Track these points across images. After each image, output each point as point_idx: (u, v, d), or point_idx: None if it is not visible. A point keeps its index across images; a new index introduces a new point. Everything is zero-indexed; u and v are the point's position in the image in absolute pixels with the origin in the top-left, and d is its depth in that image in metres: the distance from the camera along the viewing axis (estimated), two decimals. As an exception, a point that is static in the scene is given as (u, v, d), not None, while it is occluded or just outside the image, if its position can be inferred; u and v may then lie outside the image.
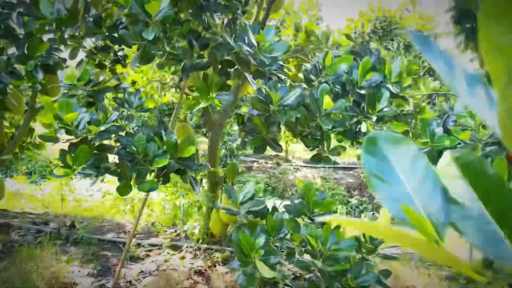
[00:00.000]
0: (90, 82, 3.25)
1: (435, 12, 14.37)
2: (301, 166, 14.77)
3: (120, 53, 4.45)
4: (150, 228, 5.93)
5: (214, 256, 4.81)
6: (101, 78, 3.34)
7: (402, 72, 3.36)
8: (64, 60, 4.33)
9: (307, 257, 3.01)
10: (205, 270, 4.55)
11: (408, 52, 12.94)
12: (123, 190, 3.04)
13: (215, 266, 4.65)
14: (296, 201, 3.08)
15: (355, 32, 14.41)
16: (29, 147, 6.42)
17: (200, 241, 4.96)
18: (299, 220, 3.14)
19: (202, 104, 3.16)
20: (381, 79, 3.31)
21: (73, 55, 3.98)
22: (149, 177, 3.22)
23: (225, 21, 3.46)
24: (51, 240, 5.09)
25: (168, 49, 2.84)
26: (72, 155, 2.91)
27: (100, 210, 7.09)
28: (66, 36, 3.84)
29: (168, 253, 4.87)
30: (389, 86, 3.33)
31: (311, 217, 3.17)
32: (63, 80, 3.29)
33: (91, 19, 3.63)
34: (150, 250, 5.05)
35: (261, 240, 2.87)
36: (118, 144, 3.22)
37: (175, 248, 5.04)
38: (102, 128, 2.96)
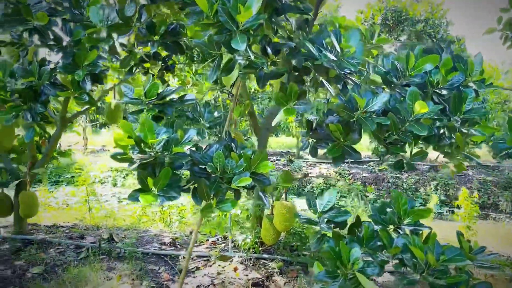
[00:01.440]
0: (157, 95, 3.04)
1: (442, 0, 14.19)
2: (314, 162, 14.60)
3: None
4: (190, 238, 5.72)
5: (268, 266, 4.64)
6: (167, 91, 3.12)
7: (484, 69, 3.18)
8: (107, 69, 4.12)
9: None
10: (262, 281, 4.38)
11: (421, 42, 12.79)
12: (206, 211, 2.85)
13: (270, 276, 4.48)
14: (388, 210, 2.89)
15: (363, 23, 14.22)
16: (55, 157, 6.21)
17: (251, 250, 4.78)
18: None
19: (281, 116, 2.97)
20: (463, 78, 3.14)
21: (125, 64, 3.75)
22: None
23: (293, 23, 3.25)
24: (93, 256, 4.88)
25: (252, 57, 2.63)
26: (151, 177, 2.71)
27: (130, 219, 6.88)
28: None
29: (219, 265, 4.69)
30: (472, 85, 3.16)
31: (399, 227, 2.99)
32: (129, 94, 3.06)
33: (145, 26, 3.40)
34: (198, 262, 4.86)
35: (356, 250, 2.69)
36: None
37: (225, 258, 4.85)
38: (185, 148, 2.76)
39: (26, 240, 5.24)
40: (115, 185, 13.20)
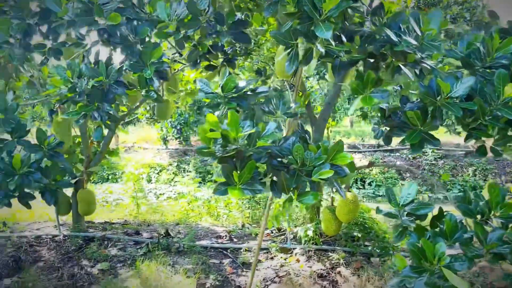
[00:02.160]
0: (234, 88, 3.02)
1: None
2: (348, 151, 14.40)
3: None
4: (244, 230, 5.75)
5: (330, 257, 4.61)
6: (242, 84, 3.09)
7: None
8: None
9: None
10: (328, 273, 4.36)
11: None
12: (288, 204, 2.83)
13: (335, 268, 4.45)
14: (481, 202, 2.81)
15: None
16: (105, 155, 6.29)
17: (310, 242, 4.76)
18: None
19: (358, 104, 2.91)
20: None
21: (192, 57, 3.74)
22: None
23: (364, 8, 3.17)
24: (153, 251, 4.95)
25: (334, 46, 2.58)
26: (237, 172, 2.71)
27: (179, 214, 6.95)
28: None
29: (281, 257, 4.69)
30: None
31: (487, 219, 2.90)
32: (205, 88, 3.06)
33: (214, 18, 3.37)
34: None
35: (442, 245, 2.62)
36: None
37: (285, 251, 4.85)
38: (269, 141, 2.74)
39: (87, 238, 5.35)
40: (149, 181, 13.38)
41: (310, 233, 4.63)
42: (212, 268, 4.63)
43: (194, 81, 7.61)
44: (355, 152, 14.33)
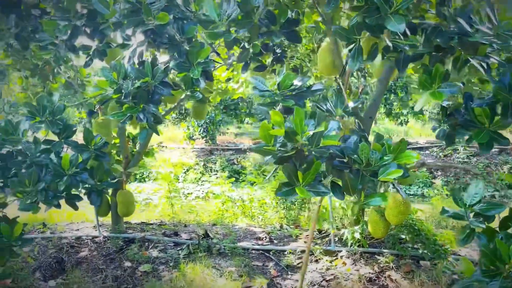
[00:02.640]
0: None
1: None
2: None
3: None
4: (283, 232, 5.64)
5: (378, 260, 4.45)
6: (298, 82, 2.98)
7: None
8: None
9: None
10: (377, 277, 4.20)
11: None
12: (357, 206, 2.71)
13: (383, 271, 4.29)
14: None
15: None
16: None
17: (356, 245, 4.61)
18: None
19: (426, 100, 2.76)
20: None
21: (243, 57, 3.65)
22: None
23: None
24: (194, 253, 4.89)
25: (401, 39, 2.44)
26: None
27: (213, 215, 6.89)
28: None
29: (327, 260, 4.56)
30: None
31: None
32: (260, 85, 2.96)
33: (265, 17, 3.26)
34: (300, 257, 4.75)
35: None
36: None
37: (329, 253, 4.72)
38: (334, 140, 2.62)
39: (127, 239, 5.33)
40: (177, 180, 13.42)
41: (357, 235, 4.48)
42: (255, 270, 4.54)
43: (226, 80, 7.55)
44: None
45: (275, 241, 5.32)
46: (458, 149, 13.50)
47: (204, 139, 13.24)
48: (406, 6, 2.43)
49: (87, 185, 4.02)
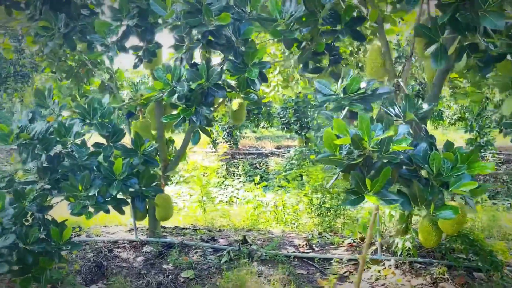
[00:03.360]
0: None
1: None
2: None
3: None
4: (323, 239, 5.50)
5: (429, 271, 4.29)
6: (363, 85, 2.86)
7: None
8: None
9: None
10: (430, 288, 4.04)
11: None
12: (427, 220, 2.59)
13: (436, 282, 4.13)
14: None
15: None
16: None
17: (406, 254, 4.45)
18: None
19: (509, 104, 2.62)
20: None
21: (303, 58, 3.55)
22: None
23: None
24: (236, 259, 4.78)
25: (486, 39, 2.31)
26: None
27: (246, 220, 6.78)
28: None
29: (375, 269, 4.40)
30: None
31: None
32: (324, 89, 2.84)
33: (330, 15, 3.16)
34: (348, 266, 4.61)
35: None
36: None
37: (376, 262, 4.56)
38: (404, 145, 2.49)
39: (164, 244, 5.24)
40: (187, 182, 13.37)
41: (408, 244, 4.32)
42: (300, 279, 4.41)
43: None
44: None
45: (316, 249, 5.18)
46: (486, 156, 13.18)
47: (228, 143, 13.16)
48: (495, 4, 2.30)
49: (132, 190, 3.96)
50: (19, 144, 3.35)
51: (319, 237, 5.60)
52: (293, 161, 12.58)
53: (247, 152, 15.25)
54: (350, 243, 5.26)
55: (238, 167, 13.92)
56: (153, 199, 5.25)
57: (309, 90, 7.24)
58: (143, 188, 3.98)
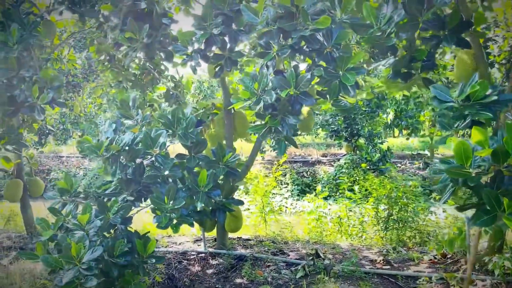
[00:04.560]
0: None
1: None
2: (455, 164, 13.24)
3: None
4: (400, 254, 5.18)
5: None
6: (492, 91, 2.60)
7: None
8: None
9: None
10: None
11: None
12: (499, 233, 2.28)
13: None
14: None
15: None
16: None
17: (502, 273, 4.08)
18: None
19: None
20: None
21: (398, 66, 3.32)
22: None
23: None
24: (312, 275, 4.57)
25: None
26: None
27: (312, 232, 6.55)
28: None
29: (468, 290, 4.06)
30: None
31: None
32: (442, 95, 2.60)
33: (433, 19, 2.93)
34: (436, 285, 4.28)
35: None
36: None
37: (470, 282, 4.21)
38: None
39: (235, 256, 5.10)
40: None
41: (508, 263, 3.96)
42: (385, 298, 4.13)
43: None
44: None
45: (395, 265, 4.88)
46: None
47: (276, 151, 13.00)
48: None
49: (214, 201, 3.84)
50: (109, 156, 3.30)
51: (396, 251, 5.29)
52: (343, 170, 12.25)
53: (293, 160, 15.03)
54: (431, 259, 4.93)
55: (285, 175, 13.71)
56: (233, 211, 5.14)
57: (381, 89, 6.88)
58: (224, 200, 3.86)
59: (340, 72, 3.24)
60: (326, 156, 15.11)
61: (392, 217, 6.41)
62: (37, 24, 4.42)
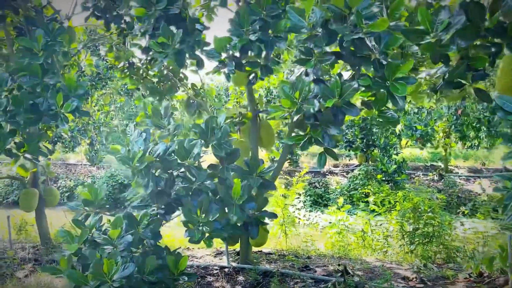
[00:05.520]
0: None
1: None
2: (470, 176, 13.04)
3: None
4: (433, 272, 4.96)
5: None
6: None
7: None
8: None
9: None
10: None
11: None
12: None
13: None
14: None
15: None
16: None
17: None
18: None
19: None
20: None
21: (455, 76, 3.14)
22: None
23: None
24: (342, 292, 4.35)
25: None
26: None
27: (335, 247, 6.33)
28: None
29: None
30: None
31: None
32: (506, 106, 2.42)
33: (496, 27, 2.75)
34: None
35: None
36: None
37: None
38: None
39: (260, 271, 4.89)
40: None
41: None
42: (424, 319, 3.91)
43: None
44: (477, 177, 12.88)
45: (429, 283, 4.65)
46: None
47: (289, 161, 12.81)
48: None
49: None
50: (143, 168, 3.12)
51: (427, 268, 5.06)
52: (357, 181, 12.03)
53: (309, 170, 14.82)
54: (466, 277, 4.70)
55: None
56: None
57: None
58: (257, 213, 3.68)
59: (388, 82, 3.07)
60: (337, 167, 14.89)
61: (418, 232, 6.19)
62: (63, 31, 4.28)
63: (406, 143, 19.47)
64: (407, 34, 2.99)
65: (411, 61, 3.01)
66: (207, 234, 3.36)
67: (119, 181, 12.92)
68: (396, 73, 3.04)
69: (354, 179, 12.09)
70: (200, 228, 3.24)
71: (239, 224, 3.63)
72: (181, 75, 6.49)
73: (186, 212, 3.26)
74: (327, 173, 14.66)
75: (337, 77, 3.16)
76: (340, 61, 3.38)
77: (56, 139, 14.53)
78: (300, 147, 3.33)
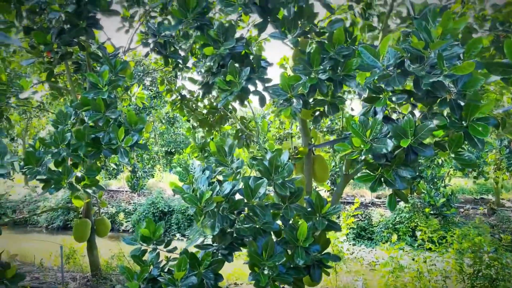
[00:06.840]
0: None
1: None
2: (526, 211, 12.27)
3: None
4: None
5: None
6: None
7: None
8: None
9: None
10: None
11: None
12: None
13: None
14: None
15: None
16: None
17: None
18: None
19: None
20: None
21: None
22: None
23: None
24: None
25: None
26: None
27: (390, 286, 6.01)
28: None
29: None
30: None
31: None
32: None
33: None
34: None
35: None
36: None
37: None
38: None
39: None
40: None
41: None
42: None
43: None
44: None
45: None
46: None
47: (328, 192, 12.55)
48: None
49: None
50: (212, 209, 3.07)
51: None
52: (403, 214, 11.57)
53: (345, 201, 14.45)
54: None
55: (338, 217, 13.14)
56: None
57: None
58: (320, 256, 3.52)
59: (464, 123, 2.91)
60: (380, 198, 14.43)
61: (480, 274, 5.79)
62: (126, 66, 4.41)
63: (448, 173, 18.73)
64: (491, 69, 2.84)
65: (492, 101, 2.87)
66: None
67: (160, 209, 13.03)
68: (475, 114, 2.88)
69: (400, 212, 11.63)
70: (266, 272, 3.13)
71: (301, 267, 3.48)
72: (229, 106, 6.54)
73: (251, 254, 3.16)
74: (369, 204, 14.22)
75: (410, 116, 3.03)
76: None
77: (102, 167, 14.97)
78: (369, 188, 3.19)
